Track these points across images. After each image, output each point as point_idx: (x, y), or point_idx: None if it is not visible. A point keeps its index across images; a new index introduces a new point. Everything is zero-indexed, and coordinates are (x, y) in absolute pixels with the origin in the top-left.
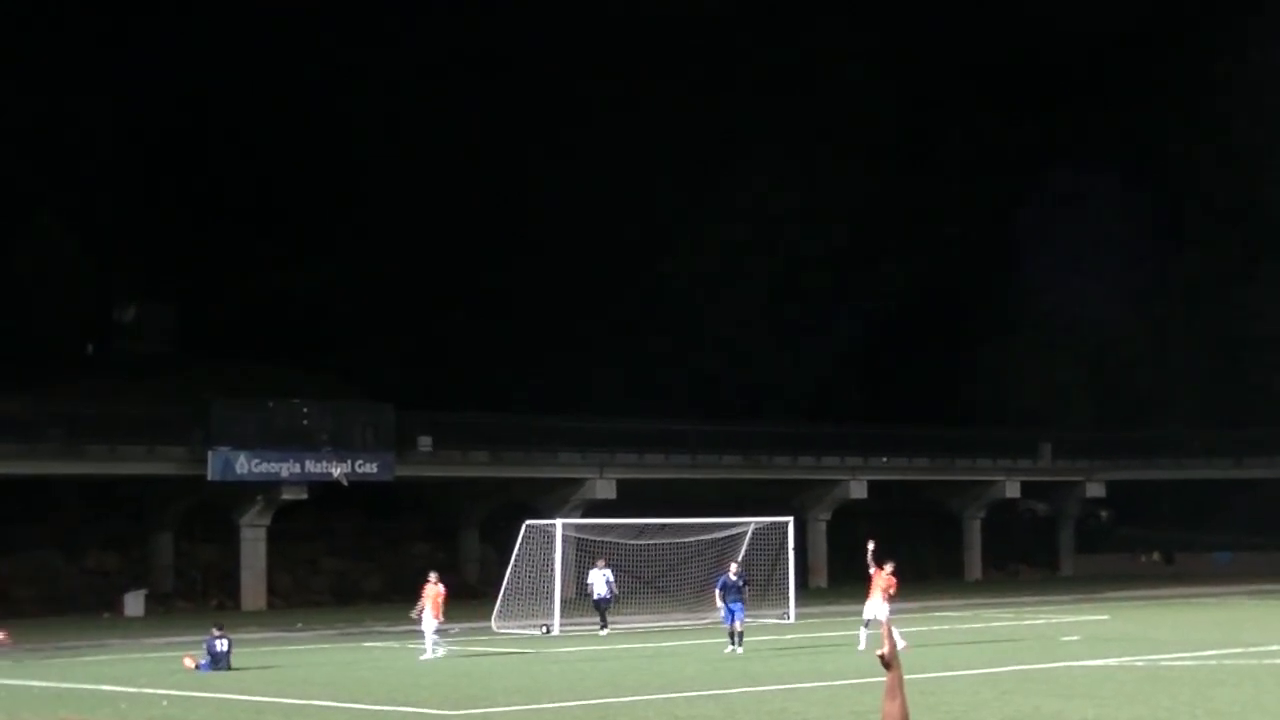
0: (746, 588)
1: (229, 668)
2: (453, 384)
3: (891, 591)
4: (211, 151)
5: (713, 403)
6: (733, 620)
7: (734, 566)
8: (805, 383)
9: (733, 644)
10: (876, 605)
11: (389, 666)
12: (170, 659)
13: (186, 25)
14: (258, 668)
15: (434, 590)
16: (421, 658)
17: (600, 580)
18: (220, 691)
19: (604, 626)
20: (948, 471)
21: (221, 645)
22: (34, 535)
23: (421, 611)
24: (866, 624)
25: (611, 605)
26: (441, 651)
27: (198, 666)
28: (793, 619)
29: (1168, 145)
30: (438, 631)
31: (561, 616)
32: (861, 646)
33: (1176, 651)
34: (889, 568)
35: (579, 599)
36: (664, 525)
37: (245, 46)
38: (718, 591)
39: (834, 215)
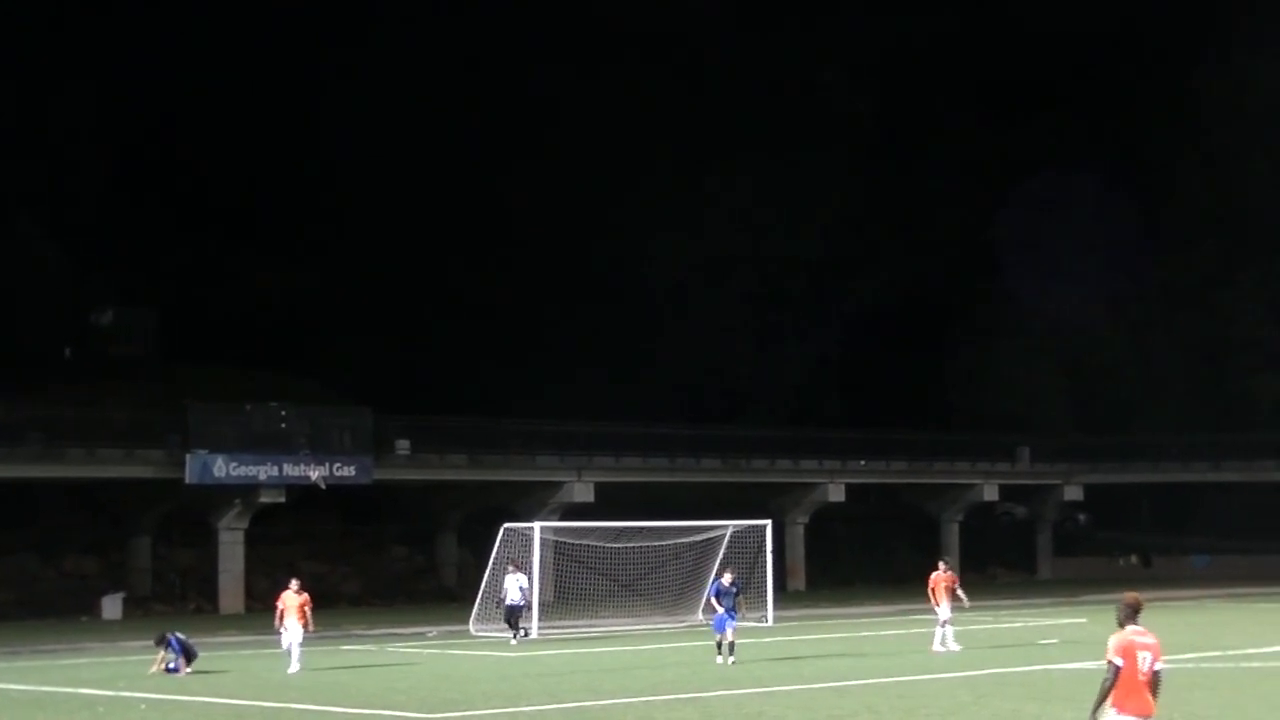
0: (740, 596)
1: (195, 655)
2: (431, 387)
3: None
4: (191, 155)
5: (691, 406)
6: (724, 629)
7: (728, 574)
8: (784, 386)
9: (721, 654)
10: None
11: (366, 670)
12: (149, 663)
13: (168, 29)
14: (236, 671)
15: (296, 599)
16: (294, 667)
17: (514, 586)
18: (198, 695)
19: (517, 634)
20: (926, 475)
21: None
22: (12, 539)
23: (282, 622)
24: (942, 625)
25: (524, 613)
26: (295, 666)
27: (168, 669)
28: (770, 622)
29: (1147, 151)
30: (300, 644)
31: (540, 619)
32: (935, 647)
33: None
34: (942, 566)
35: (555, 602)
36: (642, 528)
37: (226, 50)
38: (713, 599)
39: (814, 220)
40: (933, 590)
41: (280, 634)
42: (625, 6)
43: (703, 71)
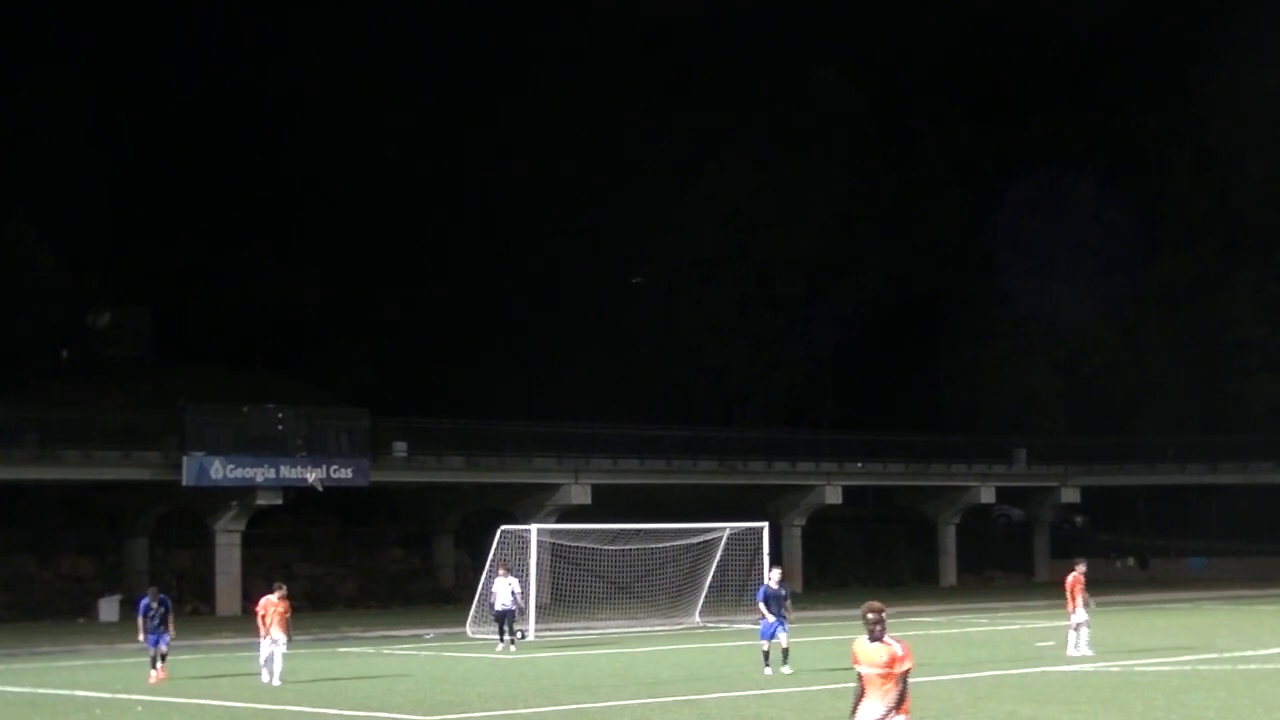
0: (789, 600)
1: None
2: (427, 389)
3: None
4: (186, 157)
5: (688, 408)
6: (775, 635)
7: (776, 573)
8: (780, 388)
9: (770, 665)
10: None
11: (364, 672)
12: (145, 665)
13: (163, 31)
14: (232, 673)
15: (280, 606)
16: (276, 682)
17: (505, 590)
18: (193, 697)
19: (507, 640)
20: (922, 477)
21: (154, 604)
22: (9, 541)
23: (268, 630)
24: (1076, 628)
25: (516, 617)
26: (277, 681)
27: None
28: None
29: (1143, 150)
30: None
31: (536, 621)
32: (1070, 651)
33: (1151, 657)
34: (1080, 567)
35: (552, 604)
36: (639, 530)
37: (221, 52)
38: (760, 604)
39: (808, 221)
40: (1070, 592)
41: (262, 643)
42: (616, 3)
43: (694, 72)
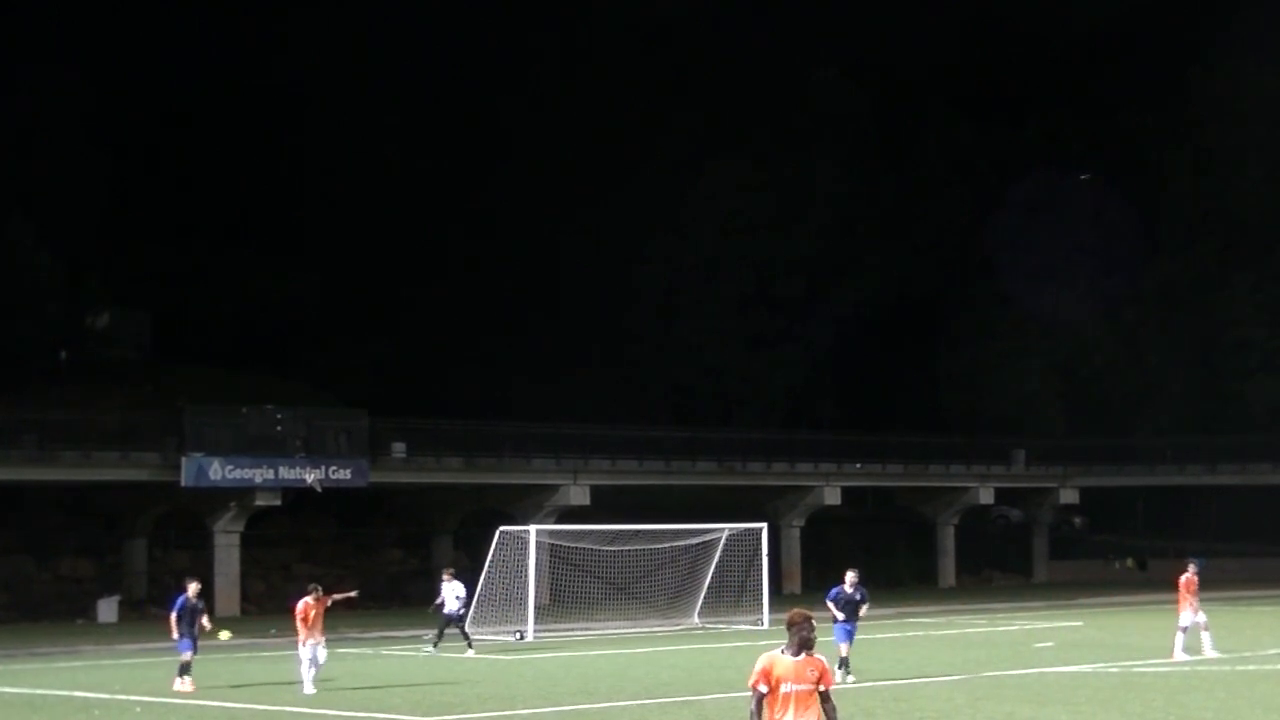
0: (865, 604)
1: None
2: (426, 390)
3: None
4: (186, 157)
5: (687, 409)
6: (848, 641)
7: (852, 575)
8: (779, 389)
9: (846, 670)
10: (1189, 613)
11: (362, 673)
12: (144, 665)
13: (162, 32)
14: (230, 674)
15: (317, 607)
16: (308, 690)
17: (451, 595)
18: (192, 698)
19: (465, 644)
20: (921, 478)
21: (194, 600)
22: (7, 542)
23: (310, 633)
24: (1184, 630)
25: (464, 621)
26: (310, 687)
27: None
28: (766, 625)
29: (1143, 151)
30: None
31: (535, 622)
32: (1177, 655)
33: (1149, 658)
34: (1192, 568)
35: (551, 605)
36: (638, 531)
37: (220, 54)
38: (830, 604)
39: (807, 222)
40: (1182, 593)
41: (302, 649)
42: (616, 3)
43: (694, 72)
